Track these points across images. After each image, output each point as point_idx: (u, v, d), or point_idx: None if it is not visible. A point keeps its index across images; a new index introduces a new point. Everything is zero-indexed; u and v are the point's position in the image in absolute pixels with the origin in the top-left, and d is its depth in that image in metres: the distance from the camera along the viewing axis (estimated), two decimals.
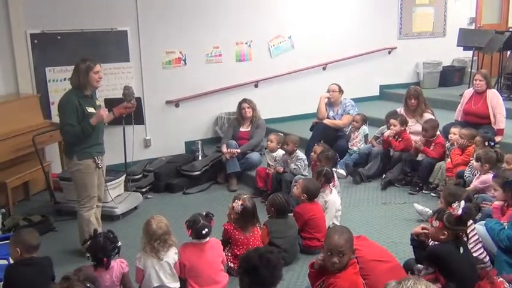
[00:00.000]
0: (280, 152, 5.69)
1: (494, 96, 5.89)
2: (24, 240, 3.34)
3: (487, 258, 3.56)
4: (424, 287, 2.14)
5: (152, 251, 3.45)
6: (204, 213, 3.73)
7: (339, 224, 4.56)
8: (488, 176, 4.42)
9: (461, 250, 3.12)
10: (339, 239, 2.93)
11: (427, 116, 5.92)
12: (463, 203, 3.23)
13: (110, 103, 5.34)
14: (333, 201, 4.58)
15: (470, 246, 3.44)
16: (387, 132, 5.82)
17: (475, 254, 3.48)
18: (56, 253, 4.43)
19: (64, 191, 5.54)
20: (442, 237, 3.18)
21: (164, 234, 3.49)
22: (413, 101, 6.00)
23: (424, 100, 6.06)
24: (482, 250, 3.56)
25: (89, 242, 3.39)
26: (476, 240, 3.55)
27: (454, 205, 3.25)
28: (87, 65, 4.19)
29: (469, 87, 6.56)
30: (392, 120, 5.82)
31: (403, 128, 5.77)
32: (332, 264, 2.93)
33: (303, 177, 5.10)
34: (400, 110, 6.19)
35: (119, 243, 3.45)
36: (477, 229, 3.64)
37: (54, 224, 5.18)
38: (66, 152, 4.39)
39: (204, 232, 3.61)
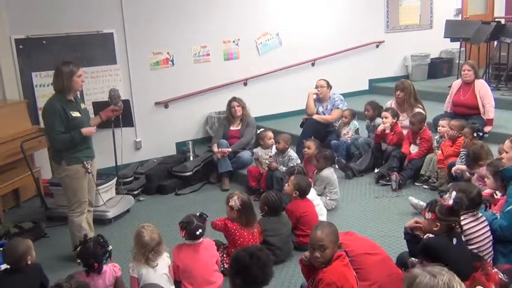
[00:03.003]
0: (274, 149, 5.68)
1: (482, 87, 5.90)
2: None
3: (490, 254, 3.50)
4: (459, 284, 2.08)
5: (146, 262, 3.42)
6: (198, 214, 3.70)
7: (325, 220, 4.56)
8: None
9: (454, 241, 3.11)
10: (320, 233, 2.95)
11: (417, 110, 5.90)
12: (454, 193, 3.23)
13: (98, 106, 5.30)
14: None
15: (479, 239, 3.40)
16: (380, 127, 5.80)
17: (484, 248, 3.42)
18: (48, 259, 4.40)
19: (55, 197, 5.49)
20: (435, 229, 3.18)
21: (157, 245, 3.46)
22: (398, 92, 6.02)
23: (415, 94, 6.03)
24: (490, 245, 3.47)
25: (79, 248, 3.36)
26: (485, 233, 3.46)
27: (446, 196, 3.25)
28: (71, 69, 4.15)
29: (457, 79, 6.57)
30: (383, 113, 5.82)
31: (395, 121, 5.77)
32: (315, 259, 2.95)
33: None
34: (391, 103, 6.19)
35: (110, 247, 3.42)
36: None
37: (46, 230, 5.14)
38: (54, 158, 4.34)
39: (198, 233, 3.59)
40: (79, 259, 3.34)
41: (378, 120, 6.11)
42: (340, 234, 3.39)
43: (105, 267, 3.39)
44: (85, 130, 4.21)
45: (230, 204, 4.03)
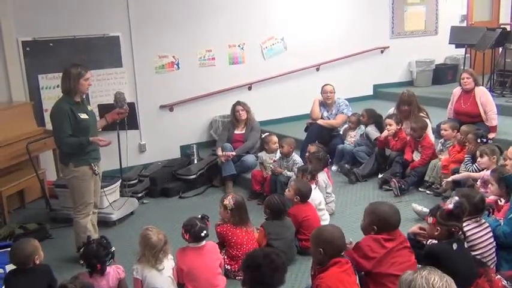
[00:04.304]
0: (278, 154, 5.69)
1: (483, 94, 5.85)
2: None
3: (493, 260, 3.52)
4: (438, 277, 2.19)
5: (155, 263, 3.43)
6: (200, 216, 3.73)
7: (327, 222, 4.62)
8: None
9: (455, 246, 3.10)
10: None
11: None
12: (456, 198, 3.23)
13: (103, 109, 5.34)
14: (311, 198, 4.59)
15: (482, 245, 3.41)
16: (384, 133, 5.81)
17: (487, 254, 3.43)
18: (52, 261, 4.39)
19: (59, 198, 5.52)
20: (436, 233, 3.19)
21: (165, 244, 3.49)
22: (406, 107, 5.89)
23: (418, 104, 5.92)
24: (493, 251, 3.48)
25: (82, 249, 3.38)
26: (489, 240, 3.48)
27: (448, 200, 3.25)
28: (79, 72, 4.19)
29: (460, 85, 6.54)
30: (387, 120, 5.81)
31: (399, 127, 5.76)
32: None
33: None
34: (394, 109, 6.16)
35: (113, 249, 3.44)
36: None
37: (50, 232, 5.17)
38: (62, 159, 4.36)
39: (203, 234, 3.63)
40: (82, 260, 3.36)
41: (368, 128, 6.16)
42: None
43: (108, 269, 3.41)
44: (93, 139, 4.24)
45: (225, 203, 4.11)
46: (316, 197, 4.70)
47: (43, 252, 3.40)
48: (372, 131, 6.15)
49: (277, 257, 2.85)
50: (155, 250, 3.42)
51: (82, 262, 3.37)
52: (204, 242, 3.68)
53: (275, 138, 5.80)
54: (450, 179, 4.92)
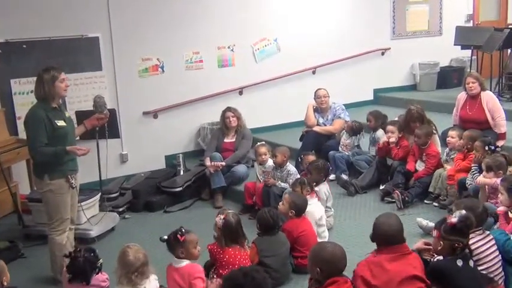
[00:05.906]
0: (269, 163, 5.68)
1: (490, 99, 5.87)
2: None
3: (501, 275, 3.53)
4: None
5: (129, 284, 3.40)
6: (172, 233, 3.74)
7: (326, 240, 4.59)
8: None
9: (460, 263, 3.12)
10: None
11: None
12: (462, 211, 3.25)
13: (82, 116, 5.32)
14: (311, 212, 4.58)
15: (487, 259, 3.42)
16: (383, 139, 5.83)
17: (494, 268, 3.44)
18: (25, 282, 4.41)
19: (33, 214, 5.49)
20: (439, 248, 3.21)
21: (142, 265, 3.42)
22: (418, 124, 5.78)
23: (427, 118, 5.85)
24: (500, 265, 3.50)
25: (68, 261, 3.36)
26: (494, 253, 3.49)
27: (453, 213, 3.27)
28: (52, 75, 4.18)
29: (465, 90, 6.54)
30: (389, 127, 5.81)
31: (400, 135, 5.78)
32: None
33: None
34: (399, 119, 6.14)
35: (100, 262, 3.44)
36: None
37: (23, 250, 5.13)
38: (36, 171, 4.34)
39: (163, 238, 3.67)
40: (68, 273, 3.36)
41: (379, 132, 6.13)
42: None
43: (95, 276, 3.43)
44: (70, 148, 4.22)
45: (216, 219, 4.10)
46: (317, 210, 4.67)
47: (15, 272, 3.37)
48: (382, 136, 6.08)
49: (257, 274, 2.88)
50: (128, 270, 3.36)
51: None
52: (184, 263, 3.65)
53: (262, 150, 5.70)
54: (479, 179, 4.73)
